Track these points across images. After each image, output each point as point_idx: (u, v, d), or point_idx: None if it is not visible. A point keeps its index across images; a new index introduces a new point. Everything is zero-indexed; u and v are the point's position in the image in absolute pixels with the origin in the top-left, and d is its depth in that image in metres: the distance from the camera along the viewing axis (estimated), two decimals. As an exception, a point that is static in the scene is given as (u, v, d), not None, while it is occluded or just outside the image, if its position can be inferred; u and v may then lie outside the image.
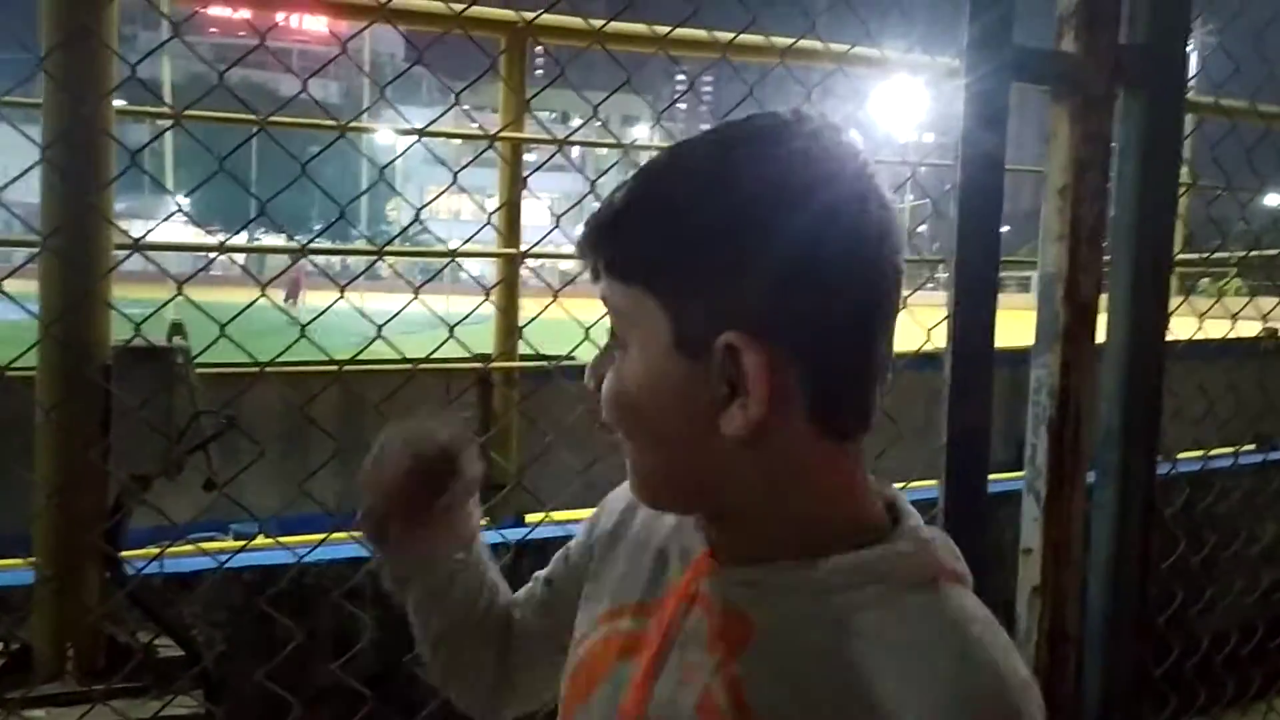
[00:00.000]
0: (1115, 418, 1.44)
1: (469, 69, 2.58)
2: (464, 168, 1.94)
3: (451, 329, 1.84)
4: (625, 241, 0.80)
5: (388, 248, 2.35)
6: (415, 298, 1.83)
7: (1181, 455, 3.32)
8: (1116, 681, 1.45)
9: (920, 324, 2.38)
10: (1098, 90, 1.37)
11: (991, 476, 1.45)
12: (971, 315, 1.32)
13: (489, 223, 1.95)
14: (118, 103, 2.11)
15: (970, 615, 0.74)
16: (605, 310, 0.82)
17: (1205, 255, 4.10)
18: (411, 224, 1.89)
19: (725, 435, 0.75)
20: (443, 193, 1.98)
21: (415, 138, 2.08)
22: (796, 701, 0.75)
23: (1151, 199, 1.44)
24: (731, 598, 0.81)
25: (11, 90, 2.12)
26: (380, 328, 1.84)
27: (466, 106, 2.30)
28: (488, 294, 1.90)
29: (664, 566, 0.90)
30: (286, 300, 18.33)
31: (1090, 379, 1.39)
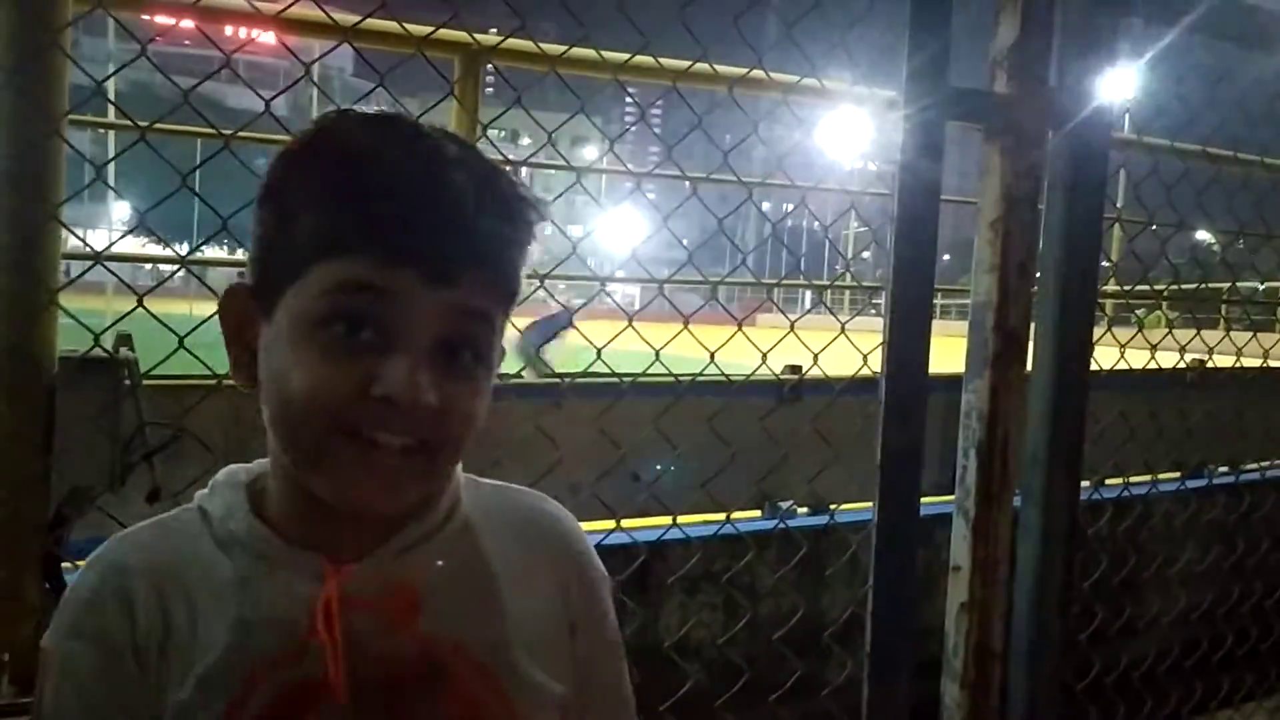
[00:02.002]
0: (1041, 441, 1.51)
1: (417, 84, 2.61)
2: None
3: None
4: (523, 258, 0.84)
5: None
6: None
7: (1109, 481, 3.44)
8: (1040, 696, 1.51)
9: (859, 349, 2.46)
10: (1029, 130, 1.44)
11: (929, 499, 1.51)
12: (906, 341, 1.38)
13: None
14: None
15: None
16: (462, 317, 0.80)
17: (1125, 288, 4.24)
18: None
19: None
20: None
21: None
22: (480, 610, 0.87)
23: (1078, 233, 1.51)
24: (386, 578, 0.84)
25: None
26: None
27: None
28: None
29: (261, 617, 0.82)
30: None
31: (1018, 404, 1.45)
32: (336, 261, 0.77)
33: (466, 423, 0.81)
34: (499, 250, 0.81)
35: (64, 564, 2.10)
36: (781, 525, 3.07)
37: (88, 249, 2.03)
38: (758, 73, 2.40)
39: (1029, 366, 1.51)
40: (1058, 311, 1.51)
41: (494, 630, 0.87)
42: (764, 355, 2.22)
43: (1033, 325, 1.51)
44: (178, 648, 0.82)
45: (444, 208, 0.77)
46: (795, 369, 3.28)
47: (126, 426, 2.08)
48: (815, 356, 2.72)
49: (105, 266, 2.02)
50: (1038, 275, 1.52)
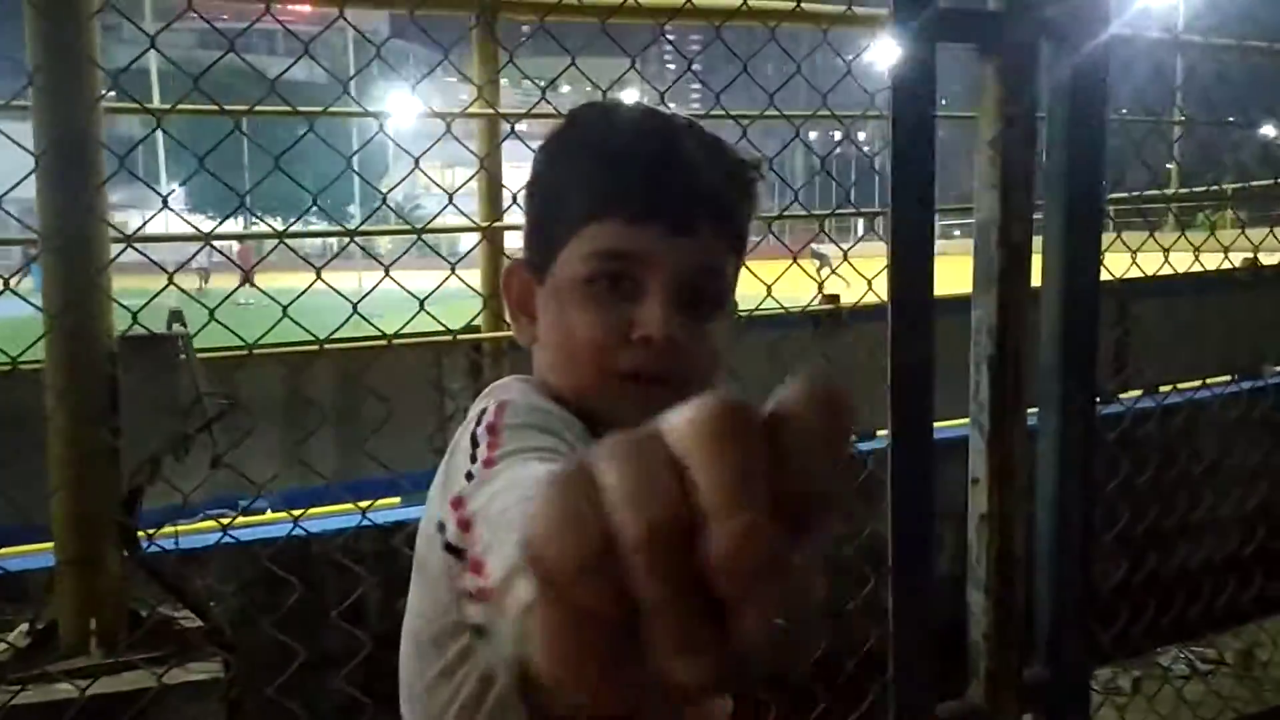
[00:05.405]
0: (1054, 352, 1.53)
1: (452, 38, 2.65)
2: (425, 152, 2.03)
3: (422, 302, 1.94)
4: (752, 211, 0.96)
5: (361, 228, 2.45)
6: (386, 274, 1.93)
7: (1164, 388, 3.42)
8: (1066, 599, 1.55)
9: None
10: (1022, 45, 1.45)
11: (958, 422, 1.54)
12: (910, 260, 1.41)
13: (450, 203, 2.04)
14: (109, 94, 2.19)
15: None
16: (700, 272, 0.91)
17: (1169, 192, 4.16)
18: (379, 207, 1.97)
19: None
20: (407, 176, 2.09)
21: (383, 123, 2.18)
22: None
23: (1081, 143, 1.52)
24: None
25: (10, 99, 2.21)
26: (355, 305, 1.94)
27: (454, 78, 2.38)
28: (453, 268, 1.99)
29: None
30: (241, 283, 18.11)
31: (1025, 317, 1.48)
32: (593, 227, 0.90)
33: (710, 360, 0.93)
34: (727, 206, 0.93)
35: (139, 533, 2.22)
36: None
37: (121, 234, 2.09)
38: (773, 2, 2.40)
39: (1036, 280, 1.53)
40: (1064, 222, 1.52)
41: None
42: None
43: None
44: None
45: (678, 171, 0.90)
46: (833, 298, 3.30)
47: (184, 398, 2.19)
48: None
49: (135, 248, 2.10)
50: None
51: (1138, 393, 3.43)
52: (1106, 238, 1.69)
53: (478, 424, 0.83)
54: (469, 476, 0.76)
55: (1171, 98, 4.59)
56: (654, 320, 0.88)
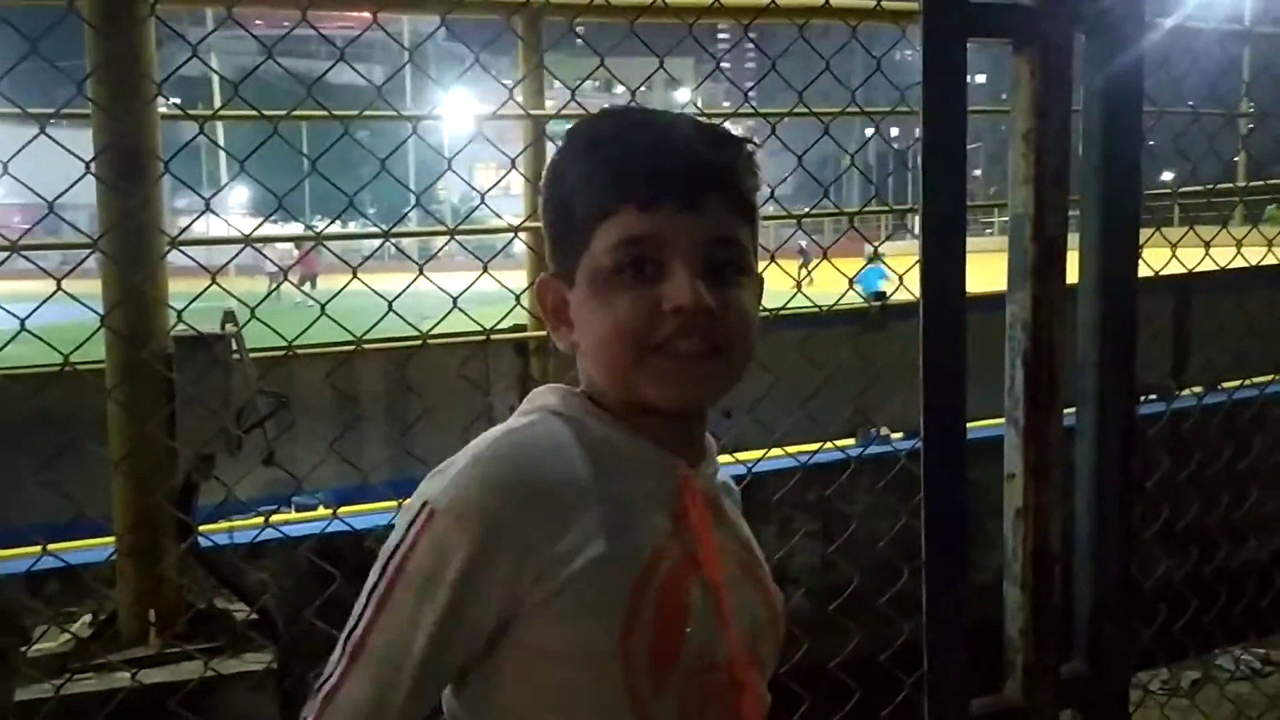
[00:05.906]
0: (1091, 348, 1.52)
1: (503, 41, 2.68)
2: (456, 154, 2.06)
3: (455, 300, 1.97)
4: (754, 182, 1.03)
5: (396, 229, 2.50)
6: (420, 273, 1.97)
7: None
8: (1105, 594, 1.54)
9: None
10: (1056, 39, 1.44)
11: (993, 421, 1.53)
12: (942, 259, 1.40)
13: (482, 201, 2.08)
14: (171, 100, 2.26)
15: None
16: (716, 243, 0.97)
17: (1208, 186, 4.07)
18: (410, 209, 2.02)
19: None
20: (439, 179, 2.14)
21: (418, 126, 2.21)
22: (730, 526, 1.11)
23: (1117, 139, 1.50)
24: (706, 486, 1.05)
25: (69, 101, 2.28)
26: (390, 303, 1.98)
27: (507, 81, 2.41)
28: (485, 266, 2.03)
29: (648, 504, 0.99)
30: (303, 284, 18.61)
31: (1061, 312, 1.47)
32: (609, 222, 0.96)
33: (745, 321, 0.99)
34: (730, 178, 1.00)
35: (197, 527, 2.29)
36: (875, 450, 3.11)
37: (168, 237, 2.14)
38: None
39: (1072, 275, 1.52)
40: (1100, 218, 1.51)
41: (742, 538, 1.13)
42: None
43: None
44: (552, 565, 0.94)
45: (678, 153, 0.96)
46: (880, 295, 3.29)
47: (237, 397, 2.25)
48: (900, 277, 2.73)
49: (182, 251, 2.15)
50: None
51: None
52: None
53: (392, 553, 0.94)
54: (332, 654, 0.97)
55: (1221, 90, 4.51)
56: (682, 291, 0.93)
